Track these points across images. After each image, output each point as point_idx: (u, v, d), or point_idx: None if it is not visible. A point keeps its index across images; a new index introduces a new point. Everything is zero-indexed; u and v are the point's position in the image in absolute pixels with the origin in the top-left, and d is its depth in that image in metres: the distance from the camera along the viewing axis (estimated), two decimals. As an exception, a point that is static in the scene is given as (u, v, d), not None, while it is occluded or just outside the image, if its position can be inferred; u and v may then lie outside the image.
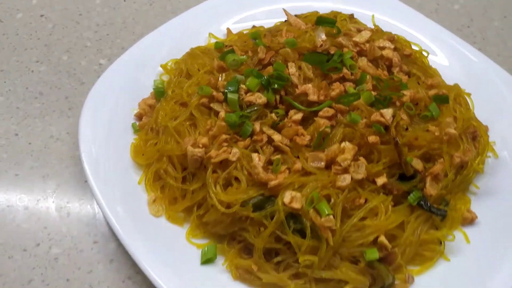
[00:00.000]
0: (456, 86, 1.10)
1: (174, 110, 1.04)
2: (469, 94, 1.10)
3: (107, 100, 1.10)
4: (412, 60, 1.14)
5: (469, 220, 0.99)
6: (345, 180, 0.91)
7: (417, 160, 0.97)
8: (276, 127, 0.99)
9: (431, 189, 0.96)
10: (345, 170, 0.92)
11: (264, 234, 0.89)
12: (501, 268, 0.92)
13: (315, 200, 0.88)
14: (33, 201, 1.03)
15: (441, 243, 0.96)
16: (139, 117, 1.09)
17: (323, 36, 1.09)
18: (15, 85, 1.19)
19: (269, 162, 0.94)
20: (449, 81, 1.13)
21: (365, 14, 1.28)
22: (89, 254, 0.97)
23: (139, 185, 1.01)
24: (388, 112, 0.98)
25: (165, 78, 1.16)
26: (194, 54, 1.14)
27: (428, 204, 0.96)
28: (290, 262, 0.90)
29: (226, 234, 0.95)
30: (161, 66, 1.16)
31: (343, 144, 0.94)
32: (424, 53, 1.19)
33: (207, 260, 0.92)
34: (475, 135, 1.04)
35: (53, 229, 1.00)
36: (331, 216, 0.87)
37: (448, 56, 1.23)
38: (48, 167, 1.08)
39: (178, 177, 0.98)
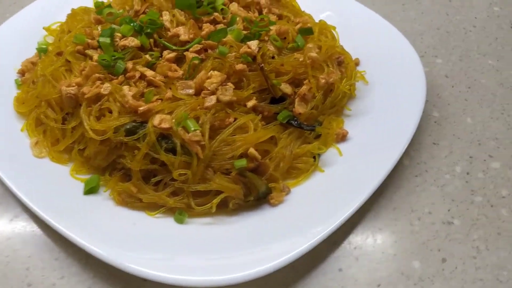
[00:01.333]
0: (321, 21, 1.18)
1: (52, 61, 1.08)
2: (334, 27, 1.19)
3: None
4: (283, 4, 1.22)
5: (341, 136, 1.06)
6: (211, 100, 0.96)
7: (286, 84, 1.04)
8: (151, 67, 1.04)
9: (299, 108, 1.03)
10: (212, 93, 0.98)
11: (138, 156, 0.93)
12: (368, 174, 0.98)
13: (182, 119, 0.92)
14: None
15: (315, 157, 1.02)
16: (22, 73, 1.12)
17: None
18: None
19: (143, 95, 0.99)
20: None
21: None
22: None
23: (22, 132, 1.03)
24: (254, 43, 1.05)
25: (50, 40, 1.20)
26: (74, 13, 1.19)
27: (298, 122, 1.02)
28: (167, 181, 0.94)
29: (107, 166, 0.98)
30: (44, 28, 1.20)
31: (210, 72, 1.00)
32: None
33: (90, 189, 0.95)
34: (340, 61, 1.12)
35: None
36: (198, 131, 0.91)
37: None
38: None
39: (57, 118, 1.01)
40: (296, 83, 1.07)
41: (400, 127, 1.04)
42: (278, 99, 1.04)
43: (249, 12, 1.16)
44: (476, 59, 1.29)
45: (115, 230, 0.90)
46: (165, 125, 0.92)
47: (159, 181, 0.94)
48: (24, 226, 0.96)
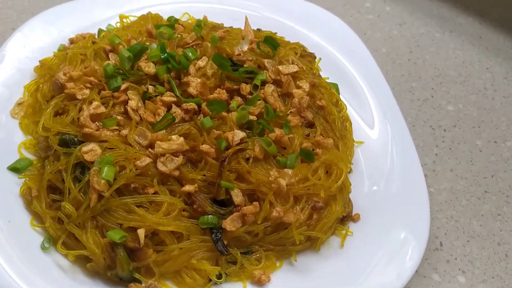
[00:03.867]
0: (339, 155, 1.00)
1: (85, 46, 1.11)
2: (346, 168, 0.99)
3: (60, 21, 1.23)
4: (323, 114, 1.06)
5: (257, 280, 0.90)
6: (145, 161, 0.90)
7: (238, 192, 0.92)
8: (148, 98, 1.01)
9: (230, 224, 0.90)
10: (155, 157, 0.91)
11: (53, 167, 0.92)
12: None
13: (104, 162, 0.88)
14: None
15: (210, 280, 0.89)
16: (70, 42, 1.19)
17: (245, 48, 1.08)
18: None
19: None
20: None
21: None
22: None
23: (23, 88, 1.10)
24: (238, 134, 0.94)
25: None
26: (146, 17, 1.20)
27: (218, 236, 0.90)
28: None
29: (45, 157, 1.00)
30: (120, 15, 1.25)
31: (173, 136, 0.93)
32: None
33: (14, 168, 0.98)
34: (317, 207, 0.94)
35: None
36: (104, 182, 0.87)
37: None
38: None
39: (47, 95, 1.05)
40: (254, 198, 0.93)
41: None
42: (221, 202, 0.92)
43: (282, 103, 1.04)
44: None
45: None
46: (89, 157, 0.90)
47: (57, 200, 0.92)
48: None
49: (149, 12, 1.22)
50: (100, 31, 1.20)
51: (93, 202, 0.87)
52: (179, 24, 1.18)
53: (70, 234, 0.90)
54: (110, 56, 1.06)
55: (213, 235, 0.90)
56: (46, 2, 1.36)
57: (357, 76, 1.22)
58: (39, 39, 1.18)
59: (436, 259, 1.03)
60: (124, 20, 1.25)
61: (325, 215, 0.95)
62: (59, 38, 1.20)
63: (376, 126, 1.15)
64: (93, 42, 1.11)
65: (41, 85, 1.07)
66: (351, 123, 1.13)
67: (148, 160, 0.90)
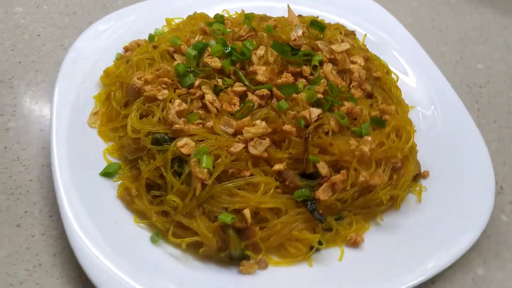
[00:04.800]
0: (405, 118, 1.09)
1: (147, 51, 1.17)
2: (414, 130, 1.08)
3: (112, 32, 1.27)
4: (379, 84, 1.14)
5: (353, 242, 0.98)
6: (238, 147, 0.96)
7: (324, 164, 0.99)
8: (218, 91, 1.07)
9: (322, 193, 0.97)
10: (245, 141, 0.98)
11: (150, 166, 0.98)
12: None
13: (201, 152, 0.95)
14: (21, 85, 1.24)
15: (312, 248, 0.97)
16: (125, 50, 1.24)
17: (299, 33, 1.15)
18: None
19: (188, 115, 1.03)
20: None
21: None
22: (31, 136, 1.14)
23: (94, 99, 1.15)
24: (315, 111, 1.01)
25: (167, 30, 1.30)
26: (193, 17, 1.27)
27: (313, 206, 0.98)
28: (164, 199, 0.98)
29: (133, 160, 1.05)
30: (166, 19, 1.30)
31: (257, 121, 1.00)
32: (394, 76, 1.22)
33: (106, 173, 1.03)
34: (396, 167, 1.02)
35: (19, 110, 1.19)
36: (206, 170, 0.93)
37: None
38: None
39: (121, 101, 1.11)
40: (337, 168, 1.01)
41: (419, 266, 0.93)
42: (309, 175, 1.00)
43: (341, 79, 1.12)
44: None
45: (99, 217, 0.96)
46: (185, 150, 0.96)
47: (158, 196, 0.98)
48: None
49: (195, 12, 1.28)
50: (151, 36, 1.25)
51: (199, 191, 0.93)
52: (226, 20, 1.24)
53: (178, 224, 0.96)
54: (175, 56, 1.13)
55: (308, 206, 0.98)
56: (82, 17, 1.41)
57: (394, 45, 1.31)
58: (92, 53, 1.23)
59: (500, 202, 1.12)
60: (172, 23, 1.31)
61: (403, 174, 1.04)
62: (110, 50, 1.25)
63: (421, 89, 1.24)
64: (154, 47, 1.17)
65: (112, 93, 1.12)
66: (400, 91, 1.21)
67: (241, 145, 0.97)
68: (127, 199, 1.00)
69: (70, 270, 0.95)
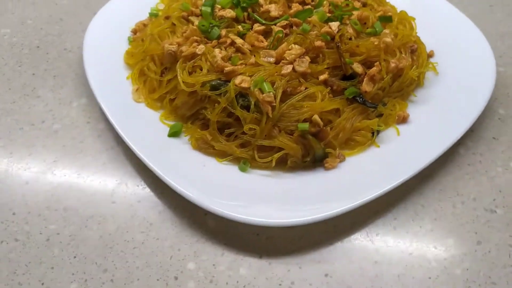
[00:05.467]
0: (402, 11, 1.26)
1: (160, 23, 1.26)
2: (413, 18, 1.26)
3: (110, 22, 1.35)
4: (370, -6, 1.32)
5: (402, 118, 1.14)
6: (287, 69, 1.09)
7: (358, 64, 1.14)
8: (242, 36, 1.19)
9: (366, 86, 1.13)
10: (290, 63, 1.11)
11: (217, 109, 1.08)
12: (420, 154, 1.06)
13: (259, 81, 1.06)
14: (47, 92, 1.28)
15: (373, 132, 1.12)
16: (134, 32, 1.32)
17: (288, -31, 1.29)
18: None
19: (230, 59, 1.14)
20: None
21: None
22: (83, 129, 1.19)
23: (127, 80, 1.23)
24: (334, 24, 1.16)
25: (161, 7, 1.39)
26: (185, -17, 1.36)
27: (363, 99, 1.13)
28: (238, 134, 1.08)
29: (191, 115, 1.15)
30: (159, -5, 1.40)
31: (291, 45, 1.13)
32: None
33: (173, 133, 1.12)
34: (413, 49, 1.20)
35: (58, 112, 1.23)
36: (271, 93, 1.05)
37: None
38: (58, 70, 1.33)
39: (157, 71, 1.19)
40: (368, 64, 1.16)
41: (460, 117, 1.11)
42: (349, 77, 1.14)
43: (338, -1, 1.27)
44: (555, 65, 1.30)
45: (188, 168, 1.05)
46: (244, 84, 1.07)
47: (231, 133, 1.09)
48: (116, 156, 1.14)
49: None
50: (152, 13, 1.34)
51: (271, 112, 1.05)
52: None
53: (260, 149, 1.07)
54: (190, 19, 1.23)
55: (359, 100, 1.13)
56: (72, 20, 1.46)
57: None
58: (103, 41, 1.30)
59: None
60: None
61: (419, 54, 1.22)
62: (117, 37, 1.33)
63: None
64: (167, 17, 1.26)
65: (145, 68, 1.21)
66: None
67: (290, 67, 1.09)
68: (203, 147, 1.10)
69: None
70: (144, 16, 1.38)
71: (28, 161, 1.12)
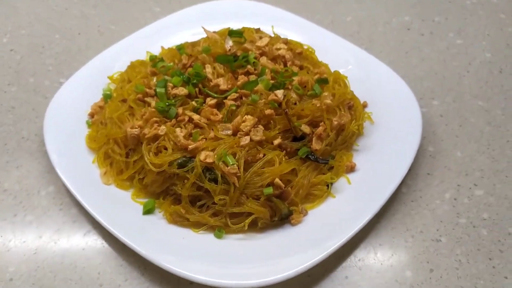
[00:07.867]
0: (336, 72, 1.42)
1: (117, 106, 1.34)
2: (345, 77, 1.43)
3: (66, 107, 1.40)
4: (303, 57, 1.47)
5: (350, 168, 1.29)
6: (246, 140, 1.21)
7: (305, 125, 1.28)
8: (196, 111, 1.29)
9: (316, 145, 1.26)
10: (246, 134, 1.22)
11: (187, 184, 1.18)
12: (371, 199, 1.21)
13: (222, 155, 1.17)
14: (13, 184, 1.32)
15: (328, 185, 1.26)
16: (91, 115, 1.39)
17: (230, 43, 1.42)
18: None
19: (190, 135, 1.24)
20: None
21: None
22: (56, 218, 1.24)
23: (93, 164, 1.29)
24: (280, 92, 1.29)
25: (112, 87, 1.47)
26: (133, 65, 1.46)
27: (315, 156, 1.27)
28: (209, 204, 1.18)
29: (161, 192, 1.24)
30: (108, 77, 1.47)
31: (245, 116, 1.25)
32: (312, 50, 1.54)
33: (147, 210, 1.20)
34: (350, 105, 1.36)
35: (28, 203, 1.28)
36: (235, 165, 1.16)
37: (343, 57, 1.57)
38: (20, 160, 1.37)
39: (122, 153, 1.27)
40: (313, 124, 1.30)
41: (399, 159, 1.27)
42: (299, 138, 1.28)
43: (276, 64, 1.41)
44: (468, 101, 1.51)
45: (168, 242, 1.14)
46: (209, 160, 1.17)
47: (203, 204, 1.19)
48: (95, 240, 1.20)
49: (132, 62, 1.47)
50: (105, 94, 1.42)
51: (237, 182, 1.16)
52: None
53: (231, 216, 1.18)
54: (146, 100, 1.32)
55: (312, 158, 1.26)
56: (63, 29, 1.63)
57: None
58: (62, 126, 1.36)
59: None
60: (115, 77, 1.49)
61: (355, 108, 1.37)
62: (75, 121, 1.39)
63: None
64: (124, 100, 1.34)
65: (110, 151, 1.28)
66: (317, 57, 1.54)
67: (247, 138, 1.21)
68: (178, 220, 1.19)
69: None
70: (97, 96, 1.45)
71: (7, 257, 1.16)
